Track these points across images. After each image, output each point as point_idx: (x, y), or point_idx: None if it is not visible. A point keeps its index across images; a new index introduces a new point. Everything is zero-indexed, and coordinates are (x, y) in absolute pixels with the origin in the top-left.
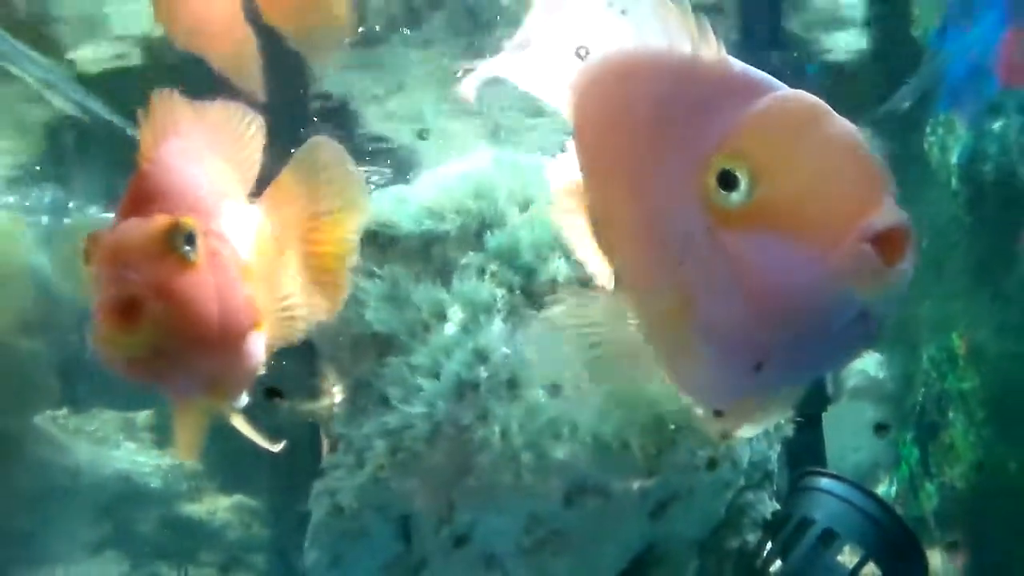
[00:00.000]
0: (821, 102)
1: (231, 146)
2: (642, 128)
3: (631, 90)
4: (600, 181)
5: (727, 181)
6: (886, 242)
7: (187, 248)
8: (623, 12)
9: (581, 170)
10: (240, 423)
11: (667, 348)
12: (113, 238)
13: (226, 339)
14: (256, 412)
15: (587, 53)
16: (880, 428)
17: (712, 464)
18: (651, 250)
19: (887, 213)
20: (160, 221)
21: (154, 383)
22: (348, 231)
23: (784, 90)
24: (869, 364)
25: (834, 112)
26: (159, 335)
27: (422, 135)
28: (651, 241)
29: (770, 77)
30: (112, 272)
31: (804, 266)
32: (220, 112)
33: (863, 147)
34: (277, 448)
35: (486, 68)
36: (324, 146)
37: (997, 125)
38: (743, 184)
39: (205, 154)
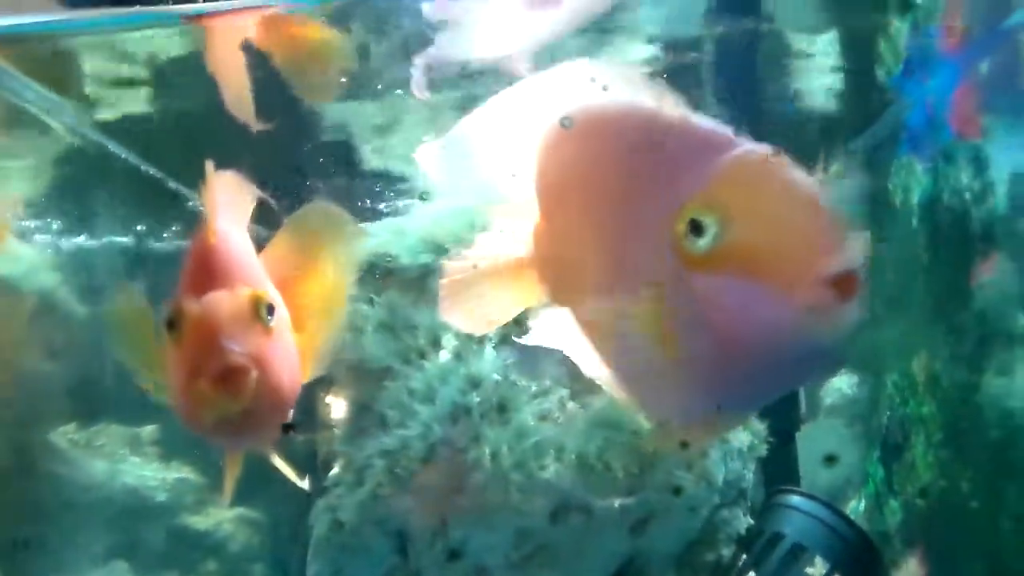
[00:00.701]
0: (782, 156)
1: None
2: (611, 179)
3: (600, 143)
4: (563, 228)
5: (696, 228)
6: (839, 283)
7: (268, 317)
8: (605, 88)
9: (541, 216)
10: (279, 461)
11: (631, 381)
12: (208, 311)
13: (294, 396)
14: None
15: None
16: (829, 459)
17: (678, 491)
18: (618, 291)
19: (844, 257)
20: (247, 295)
21: (233, 441)
22: (339, 291)
23: (748, 145)
24: (844, 383)
25: (792, 165)
26: (254, 399)
27: (422, 197)
28: (618, 284)
29: (732, 132)
30: (212, 343)
31: (767, 305)
32: (226, 183)
33: (818, 197)
34: (305, 483)
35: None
36: (317, 211)
37: (951, 171)
38: (711, 231)
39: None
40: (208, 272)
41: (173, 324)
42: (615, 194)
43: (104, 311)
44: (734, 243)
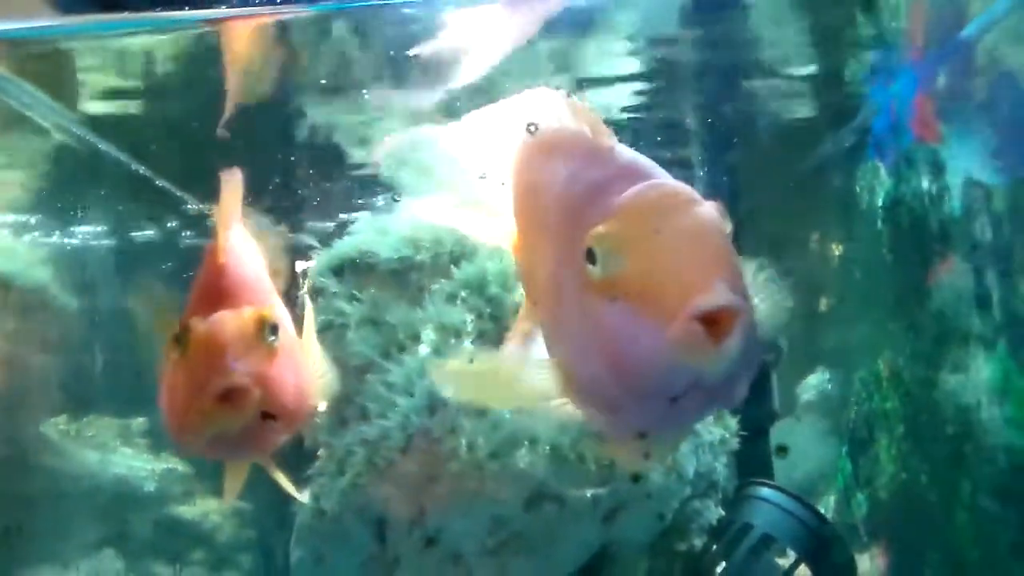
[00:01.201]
0: (684, 192)
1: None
2: (555, 198)
3: (552, 164)
4: (525, 238)
5: (591, 256)
6: (714, 321)
7: (272, 338)
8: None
9: (516, 224)
10: (277, 475)
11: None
12: (213, 331)
13: (299, 413)
14: None
15: (535, 129)
16: (780, 450)
17: (636, 478)
18: (554, 305)
19: (716, 295)
20: (251, 315)
21: (235, 456)
22: None
23: (655, 180)
24: (821, 380)
25: (695, 200)
26: (253, 419)
27: (395, 198)
28: (554, 297)
29: (653, 166)
30: (216, 362)
31: (645, 337)
32: (232, 187)
33: (710, 235)
34: (304, 498)
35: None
36: None
37: (911, 174)
38: (602, 260)
39: (247, 237)
40: (216, 291)
41: (180, 341)
42: (555, 213)
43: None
44: (620, 274)
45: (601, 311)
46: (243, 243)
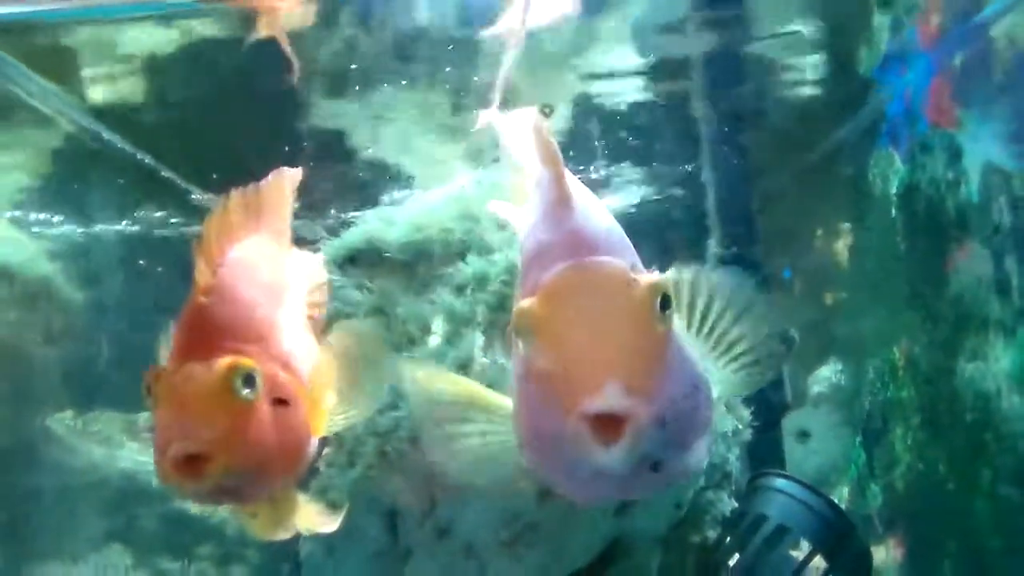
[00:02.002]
0: (609, 277)
1: (278, 215)
2: (521, 247)
3: (529, 206)
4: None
5: (515, 329)
6: (604, 424)
7: (246, 391)
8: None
9: None
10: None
11: None
12: (175, 385)
13: (285, 462)
14: None
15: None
16: (802, 435)
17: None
18: (511, 356)
19: (604, 399)
20: (220, 369)
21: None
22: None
23: (583, 261)
24: (834, 371)
25: (620, 286)
26: (223, 479)
27: (409, 180)
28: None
29: (602, 234)
30: (176, 423)
31: (547, 423)
32: (269, 190)
33: (622, 327)
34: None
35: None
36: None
37: (927, 161)
38: (520, 336)
39: (259, 255)
40: (194, 334)
41: (150, 391)
42: (524, 272)
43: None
44: (533, 356)
45: (521, 382)
46: (240, 269)
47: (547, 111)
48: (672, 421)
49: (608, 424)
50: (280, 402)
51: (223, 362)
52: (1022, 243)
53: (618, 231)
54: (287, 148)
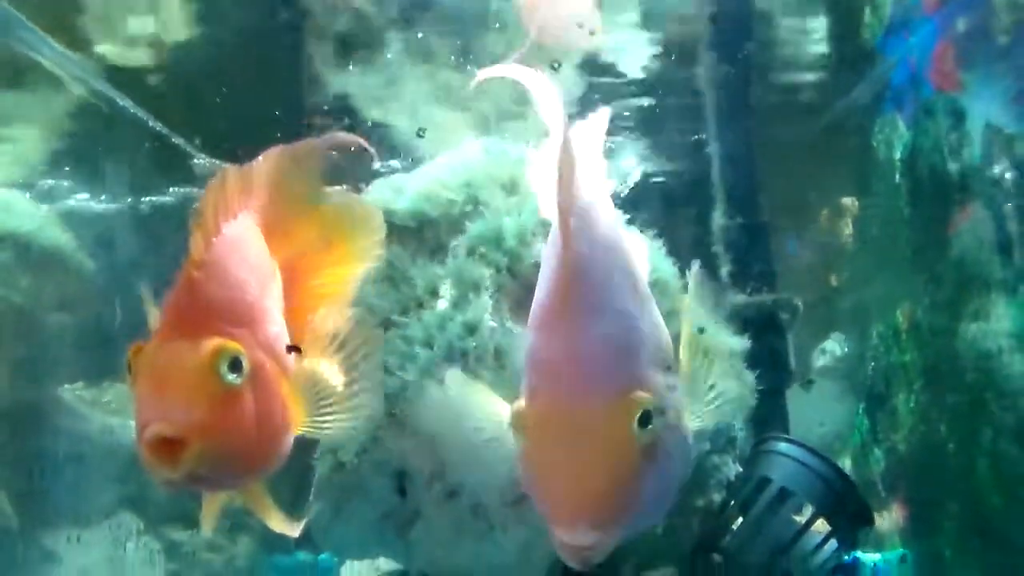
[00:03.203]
0: (592, 411)
1: (270, 194)
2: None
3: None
4: None
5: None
6: (573, 551)
7: (232, 376)
8: None
9: None
10: (260, 506)
11: None
12: (157, 365)
13: (262, 455)
14: None
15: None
16: (808, 383)
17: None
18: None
19: (575, 538)
20: (206, 352)
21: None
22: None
23: (573, 388)
24: (836, 345)
25: (600, 418)
26: (199, 467)
27: (420, 133)
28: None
29: (590, 355)
30: (155, 405)
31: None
32: (266, 165)
33: (593, 461)
34: (295, 532)
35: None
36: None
37: (931, 125)
38: (515, 429)
39: (251, 235)
40: (183, 309)
41: (131, 370)
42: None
43: None
44: (524, 452)
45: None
46: (236, 245)
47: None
48: (640, 523)
49: (576, 550)
50: (262, 390)
51: (210, 343)
52: (1023, 203)
53: (622, 308)
54: (296, 118)
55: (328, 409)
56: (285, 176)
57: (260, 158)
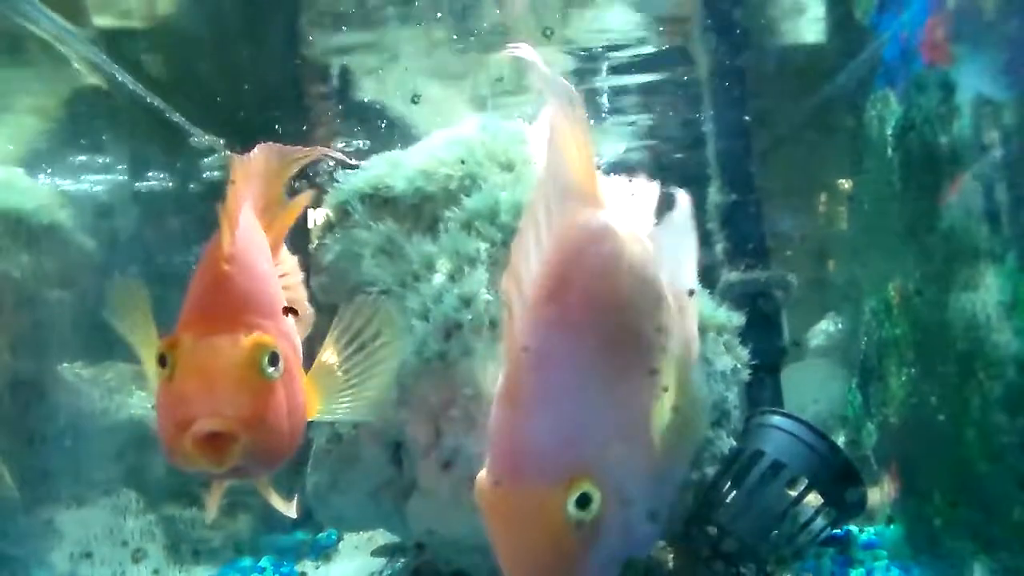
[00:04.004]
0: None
1: (263, 186)
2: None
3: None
4: None
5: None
6: None
7: (271, 370)
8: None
9: None
10: (269, 492)
11: None
12: (202, 360)
13: (292, 442)
14: None
15: None
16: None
17: None
18: None
19: None
20: (250, 343)
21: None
22: None
23: (511, 483)
24: (830, 324)
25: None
26: (242, 459)
27: (414, 100)
28: None
29: (530, 446)
30: (201, 400)
31: None
32: (260, 159)
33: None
34: (292, 512)
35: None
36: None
37: (922, 99)
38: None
39: (255, 223)
40: (214, 304)
41: (165, 361)
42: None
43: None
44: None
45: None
46: (251, 237)
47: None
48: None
49: None
50: (289, 382)
51: (253, 338)
52: (1011, 172)
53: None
54: (293, 93)
55: (341, 396)
56: (272, 173)
57: (256, 151)
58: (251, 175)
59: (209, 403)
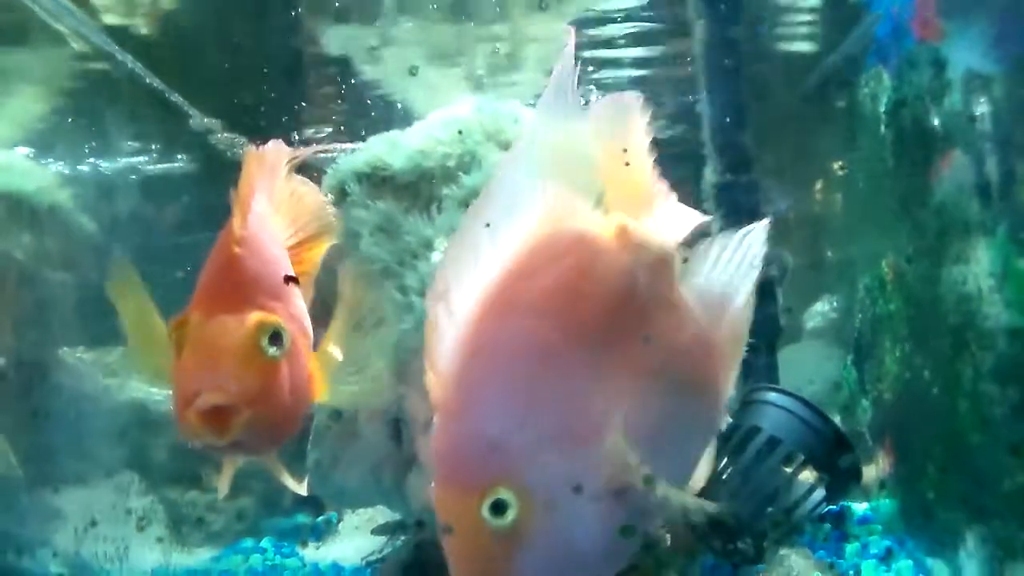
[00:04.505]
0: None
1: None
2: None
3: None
4: None
5: None
6: None
7: (273, 349)
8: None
9: None
10: (277, 469)
11: None
12: (208, 337)
13: (294, 420)
14: None
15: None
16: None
17: None
18: None
19: None
20: (253, 322)
21: (227, 456)
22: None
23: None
24: (827, 301)
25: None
26: (243, 433)
27: (412, 71)
28: None
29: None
30: (206, 374)
31: None
32: (271, 155)
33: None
34: (303, 489)
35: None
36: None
37: (914, 75)
38: None
39: (268, 211)
40: (223, 285)
41: (176, 336)
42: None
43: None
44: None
45: None
46: (263, 222)
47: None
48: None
49: None
50: (294, 361)
51: (256, 317)
52: (1001, 146)
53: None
54: (292, 73)
55: (346, 379)
56: (280, 166)
57: (269, 144)
58: (264, 166)
59: (212, 378)
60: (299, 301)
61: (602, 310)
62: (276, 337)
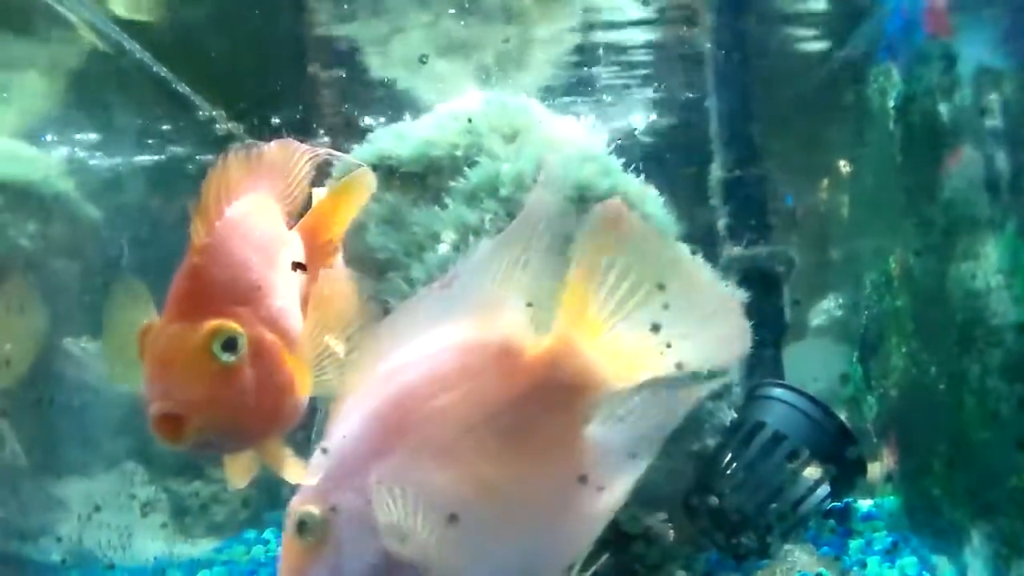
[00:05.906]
0: None
1: (282, 180)
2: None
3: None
4: None
5: None
6: None
7: (226, 355)
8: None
9: None
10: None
11: None
12: (160, 347)
13: (266, 421)
14: None
15: None
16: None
17: None
18: None
19: None
20: (201, 333)
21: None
22: None
23: None
24: (832, 300)
25: None
26: (201, 438)
27: (422, 60)
28: None
29: None
30: (158, 385)
31: None
32: (274, 154)
33: None
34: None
35: None
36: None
37: (924, 71)
38: None
39: (256, 213)
40: (184, 295)
41: (140, 350)
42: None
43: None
44: None
45: None
46: (240, 227)
47: None
48: None
49: None
50: (264, 363)
51: (206, 326)
52: (1011, 141)
53: None
54: (301, 64)
55: (331, 372)
56: (292, 168)
57: (272, 144)
58: (264, 166)
59: (162, 387)
60: (281, 301)
61: (483, 416)
62: (230, 343)
